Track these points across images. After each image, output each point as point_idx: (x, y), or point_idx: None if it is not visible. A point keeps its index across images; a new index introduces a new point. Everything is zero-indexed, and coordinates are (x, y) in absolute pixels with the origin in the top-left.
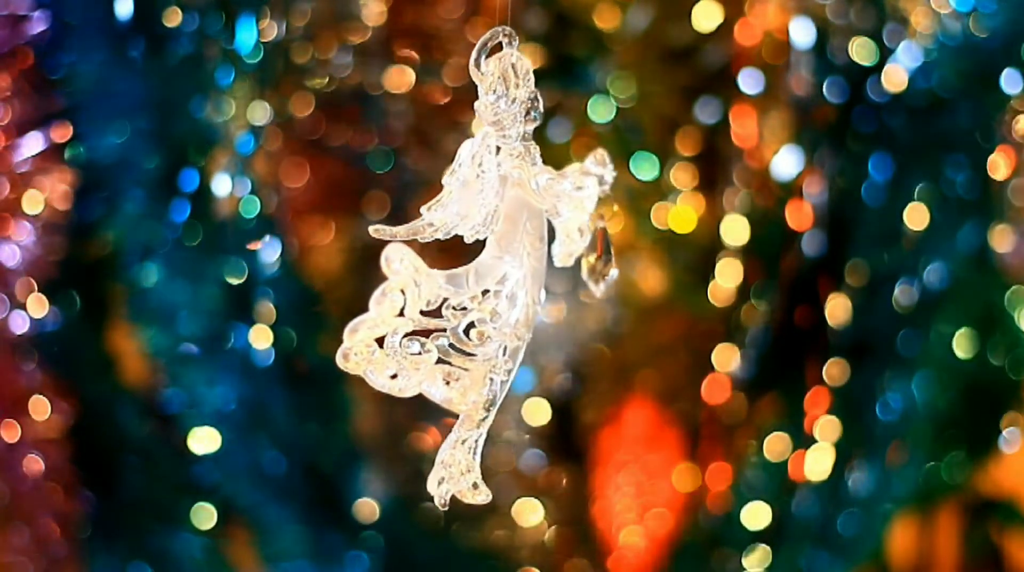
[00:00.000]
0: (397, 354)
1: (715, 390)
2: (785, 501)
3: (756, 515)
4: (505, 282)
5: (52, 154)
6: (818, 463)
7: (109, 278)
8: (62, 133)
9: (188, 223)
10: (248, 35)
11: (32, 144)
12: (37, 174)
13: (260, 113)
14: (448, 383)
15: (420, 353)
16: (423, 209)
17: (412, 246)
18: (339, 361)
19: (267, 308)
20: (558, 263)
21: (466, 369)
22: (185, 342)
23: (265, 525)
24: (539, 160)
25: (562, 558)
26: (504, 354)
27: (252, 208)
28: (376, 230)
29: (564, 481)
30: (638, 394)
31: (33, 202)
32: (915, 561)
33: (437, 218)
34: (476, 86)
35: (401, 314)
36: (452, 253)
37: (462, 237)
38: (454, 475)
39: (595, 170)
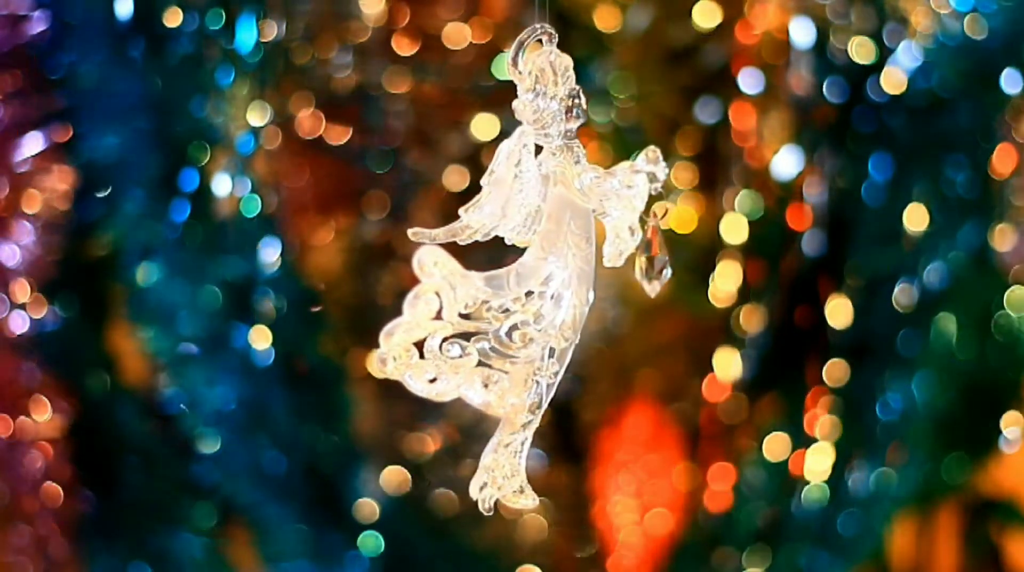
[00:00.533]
0: (437, 358)
1: (715, 390)
2: (785, 501)
3: (756, 515)
4: (549, 283)
5: (52, 154)
6: (818, 463)
7: (109, 278)
8: (62, 133)
9: (188, 223)
10: (248, 35)
11: (32, 144)
12: (37, 174)
13: (260, 113)
14: (487, 386)
15: (460, 356)
16: (461, 211)
17: (448, 248)
18: (378, 365)
19: (267, 308)
20: (607, 263)
21: (506, 372)
22: (185, 342)
23: (265, 525)
24: (583, 158)
25: (562, 558)
26: (550, 357)
27: (252, 208)
28: (414, 234)
29: (564, 481)
30: (638, 394)
31: (33, 202)
32: (915, 561)
33: (475, 220)
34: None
35: (438, 317)
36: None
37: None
38: (497, 479)
39: (646, 167)
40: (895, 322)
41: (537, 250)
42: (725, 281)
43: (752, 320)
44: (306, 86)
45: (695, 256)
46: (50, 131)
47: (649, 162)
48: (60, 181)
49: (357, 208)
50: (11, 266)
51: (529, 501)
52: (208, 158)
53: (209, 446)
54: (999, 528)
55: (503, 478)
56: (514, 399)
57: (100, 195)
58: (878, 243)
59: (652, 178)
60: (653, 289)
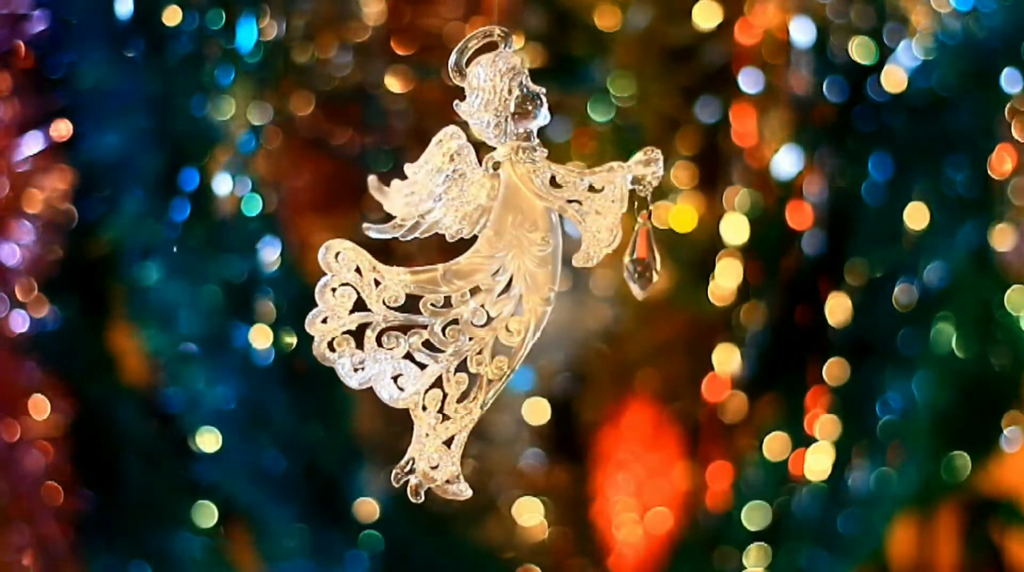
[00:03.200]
0: (375, 350)
1: (715, 389)
2: (785, 501)
3: (756, 514)
4: (497, 281)
5: (52, 153)
6: (818, 462)
7: (109, 277)
8: (62, 132)
9: (188, 222)
10: (248, 35)
11: (32, 143)
12: (37, 173)
13: (260, 112)
14: (396, 380)
15: (394, 349)
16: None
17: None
18: (315, 350)
19: (267, 308)
20: (575, 264)
21: (423, 366)
22: (185, 341)
23: (265, 524)
24: (540, 159)
25: (562, 558)
26: (498, 354)
27: (252, 207)
28: (367, 228)
29: (564, 481)
30: (638, 393)
31: (33, 201)
32: (915, 561)
33: (395, 209)
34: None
35: (357, 310)
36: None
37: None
38: (422, 469)
39: (637, 169)
40: (895, 321)
41: (480, 249)
42: (725, 280)
43: (752, 319)
44: (306, 86)
45: (695, 255)
46: (50, 130)
47: (642, 163)
48: (60, 180)
49: (357, 208)
50: (11, 265)
51: (458, 491)
52: (208, 157)
53: (209, 446)
54: (999, 528)
55: (429, 468)
56: (410, 393)
57: (100, 194)
58: (878, 242)
59: (637, 180)
60: (638, 291)
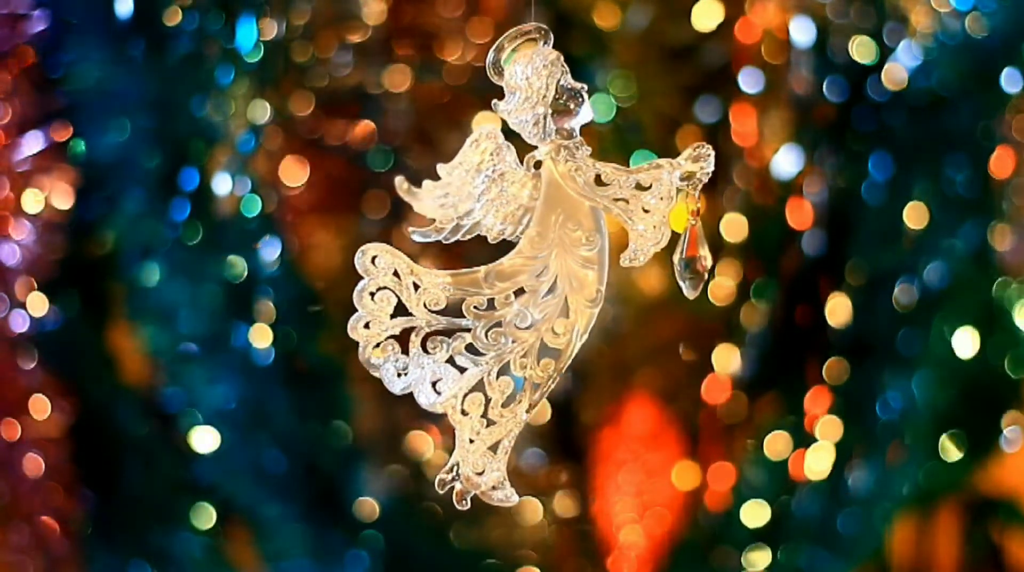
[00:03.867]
0: (420, 355)
1: (715, 390)
2: (785, 500)
3: (756, 514)
4: (541, 283)
5: (53, 153)
6: (818, 462)
7: (109, 277)
8: (62, 132)
9: (188, 222)
10: (248, 35)
11: (32, 143)
12: (38, 173)
13: (260, 112)
14: (435, 385)
15: (438, 353)
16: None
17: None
18: (362, 357)
19: (267, 307)
20: (622, 263)
21: (463, 370)
22: (185, 341)
23: (265, 524)
24: (584, 156)
25: (562, 558)
26: (545, 357)
27: (252, 207)
28: (412, 231)
29: (564, 481)
30: (638, 393)
31: (33, 201)
32: (915, 561)
33: (427, 209)
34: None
35: (398, 313)
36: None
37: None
38: (467, 475)
39: (686, 165)
40: (895, 321)
41: (522, 250)
42: (725, 280)
43: (752, 319)
44: (306, 86)
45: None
46: (50, 130)
47: (691, 159)
48: (61, 180)
49: (357, 207)
50: (11, 265)
51: (504, 497)
52: (208, 157)
53: (209, 445)
54: (999, 528)
55: (475, 474)
56: (449, 397)
57: (101, 194)
58: (878, 242)
59: (687, 176)
60: (689, 290)
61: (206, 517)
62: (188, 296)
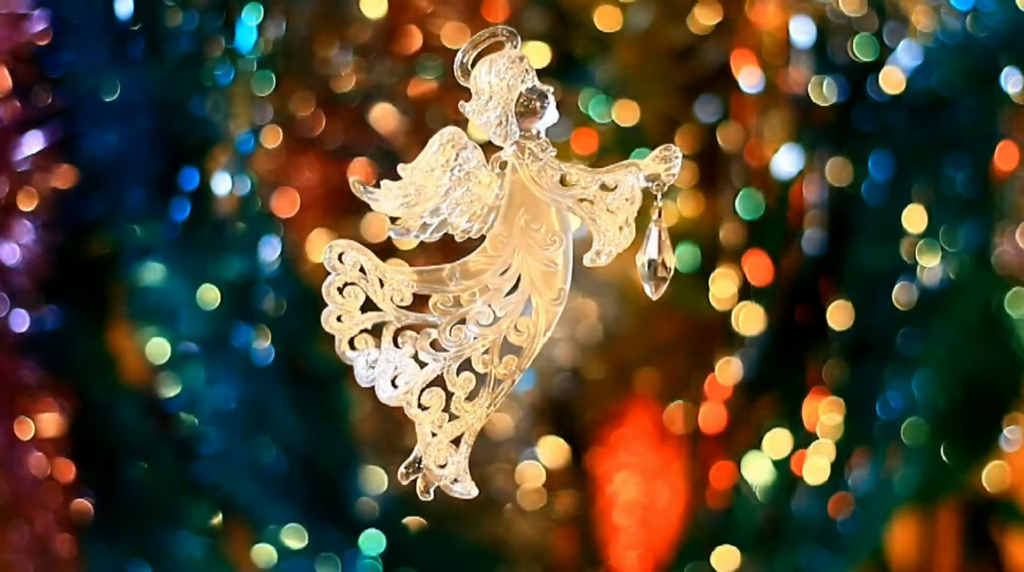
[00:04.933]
0: (389, 349)
1: (715, 390)
2: (785, 500)
3: (756, 514)
4: (504, 281)
5: (52, 153)
6: (818, 462)
7: (109, 277)
8: (62, 132)
9: (188, 222)
10: (248, 35)
11: (32, 143)
12: (37, 173)
13: (260, 112)
14: (394, 379)
15: (404, 348)
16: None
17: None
18: (338, 349)
19: (267, 307)
20: (586, 263)
21: (423, 365)
22: (185, 341)
23: (265, 523)
24: (548, 158)
25: (562, 558)
26: (508, 353)
27: (252, 207)
28: (389, 228)
29: (564, 481)
30: (638, 393)
31: (33, 201)
32: (915, 561)
33: (384, 208)
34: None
35: (367, 309)
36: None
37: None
38: (429, 467)
39: (652, 166)
40: (895, 321)
41: (487, 248)
42: (725, 281)
43: (752, 320)
44: (306, 85)
45: (695, 255)
46: (50, 130)
47: (658, 160)
48: (60, 180)
49: (357, 208)
50: (11, 265)
51: (465, 491)
52: (208, 157)
53: (209, 445)
54: (999, 528)
55: (436, 467)
56: (403, 391)
57: (100, 194)
58: (878, 242)
59: (652, 177)
60: (652, 291)
61: (206, 517)
62: (188, 296)
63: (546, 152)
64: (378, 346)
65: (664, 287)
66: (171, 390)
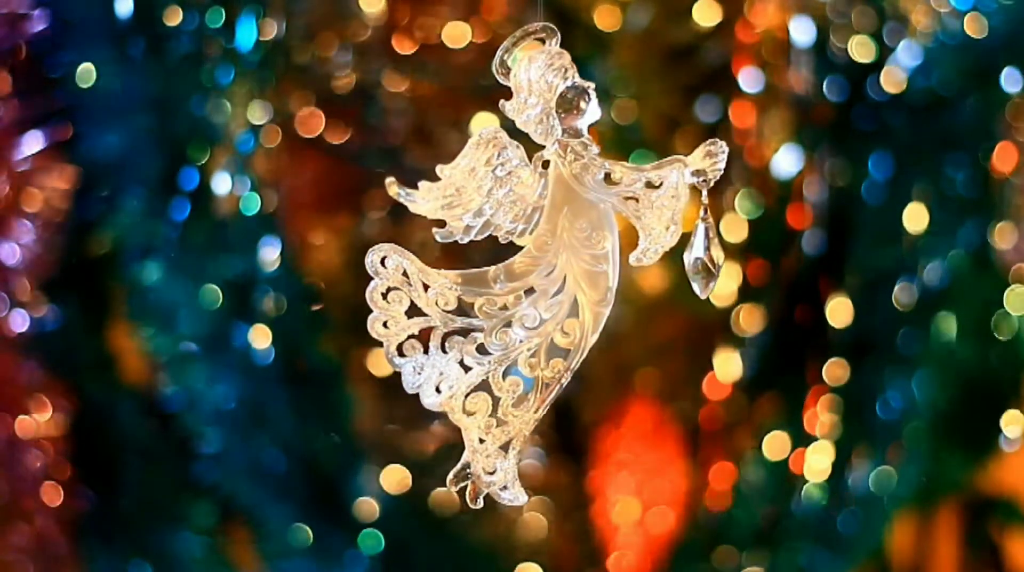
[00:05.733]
0: (436, 353)
1: (715, 389)
2: (785, 500)
3: (756, 513)
4: (550, 283)
5: (52, 153)
6: (818, 462)
7: (109, 277)
8: (62, 132)
9: (188, 222)
10: (248, 34)
11: (32, 143)
12: (37, 173)
13: (260, 112)
14: (438, 388)
15: (451, 353)
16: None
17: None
18: (386, 355)
19: (267, 307)
20: (632, 262)
21: (468, 370)
22: (185, 341)
23: (265, 523)
24: (591, 155)
25: (562, 558)
26: (555, 356)
27: (252, 206)
28: (437, 234)
29: (564, 481)
30: (638, 393)
31: (33, 201)
32: (915, 560)
33: (422, 209)
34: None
35: (413, 314)
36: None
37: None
38: (478, 475)
39: (697, 163)
40: (895, 321)
41: (531, 249)
42: (725, 280)
43: (752, 319)
44: (306, 85)
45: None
46: (50, 130)
47: (704, 156)
48: (60, 180)
49: (357, 207)
50: (11, 265)
51: (514, 497)
52: (208, 157)
53: (209, 445)
54: (999, 527)
55: (486, 473)
56: (447, 396)
57: (100, 194)
58: (878, 242)
59: (698, 173)
60: (700, 289)
61: (206, 517)
62: (188, 296)
63: (589, 149)
64: (426, 352)
65: (713, 285)
66: (171, 390)
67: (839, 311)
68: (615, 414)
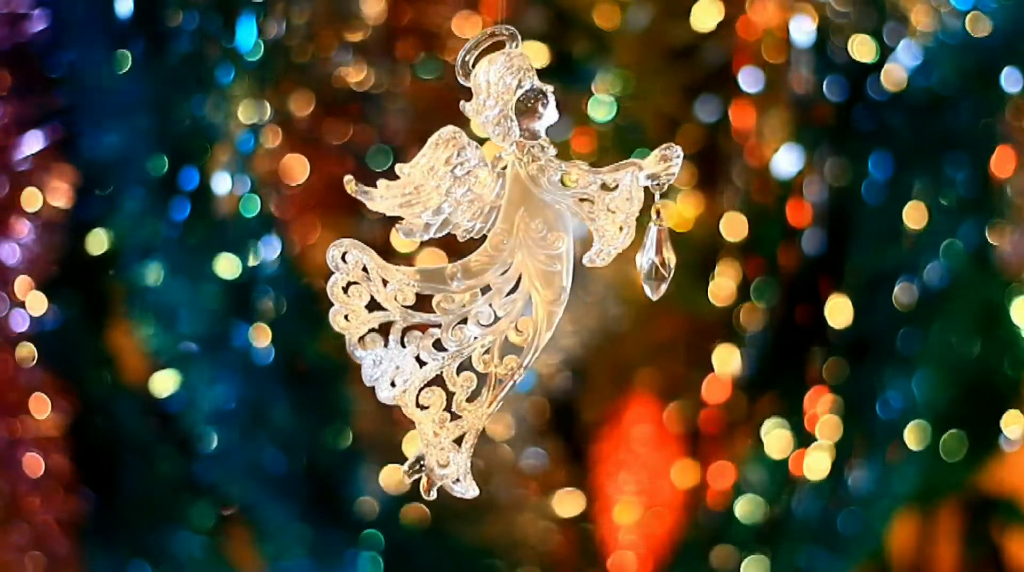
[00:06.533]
0: (395, 347)
1: (715, 389)
2: (785, 500)
3: (756, 513)
4: (505, 281)
5: (52, 152)
6: (818, 462)
7: (109, 276)
8: (62, 132)
9: (188, 221)
10: (248, 34)
11: (32, 142)
12: (37, 172)
13: (260, 112)
14: (393, 382)
15: (410, 347)
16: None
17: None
18: (349, 347)
19: (267, 306)
20: (585, 263)
21: (423, 365)
22: (185, 340)
23: (265, 523)
24: (547, 157)
25: (562, 558)
26: (508, 353)
27: (252, 206)
28: (398, 229)
29: (564, 481)
30: (638, 392)
31: (33, 200)
32: (915, 560)
33: (381, 207)
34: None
35: (374, 308)
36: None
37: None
38: (431, 467)
39: (651, 167)
40: (895, 321)
41: (487, 248)
42: (725, 279)
43: (752, 319)
44: (306, 85)
45: (695, 254)
46: (50, 129)
47: (659, 160)
48: (60, 179)
49: (357, 207)
50: (11, 264)
51: (465, 490)
52: (208, 156)
53: (209, 445)
54: (999, 527)
55: (439, 466)
56: (400, 391)
57: (100, 193)
58: (878, 241)
59: (653, 177)
60: (652, 291)
61: (206, 517)
62: (188, 295)
63: (546, 152)
64: (387, 345)
65: (664, 287)
66: (171, 390)
67: (839, 311)
68: (615, 413)
